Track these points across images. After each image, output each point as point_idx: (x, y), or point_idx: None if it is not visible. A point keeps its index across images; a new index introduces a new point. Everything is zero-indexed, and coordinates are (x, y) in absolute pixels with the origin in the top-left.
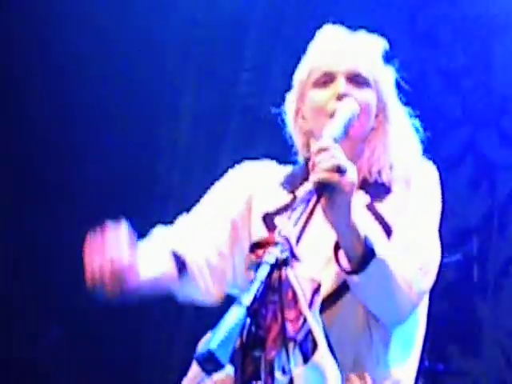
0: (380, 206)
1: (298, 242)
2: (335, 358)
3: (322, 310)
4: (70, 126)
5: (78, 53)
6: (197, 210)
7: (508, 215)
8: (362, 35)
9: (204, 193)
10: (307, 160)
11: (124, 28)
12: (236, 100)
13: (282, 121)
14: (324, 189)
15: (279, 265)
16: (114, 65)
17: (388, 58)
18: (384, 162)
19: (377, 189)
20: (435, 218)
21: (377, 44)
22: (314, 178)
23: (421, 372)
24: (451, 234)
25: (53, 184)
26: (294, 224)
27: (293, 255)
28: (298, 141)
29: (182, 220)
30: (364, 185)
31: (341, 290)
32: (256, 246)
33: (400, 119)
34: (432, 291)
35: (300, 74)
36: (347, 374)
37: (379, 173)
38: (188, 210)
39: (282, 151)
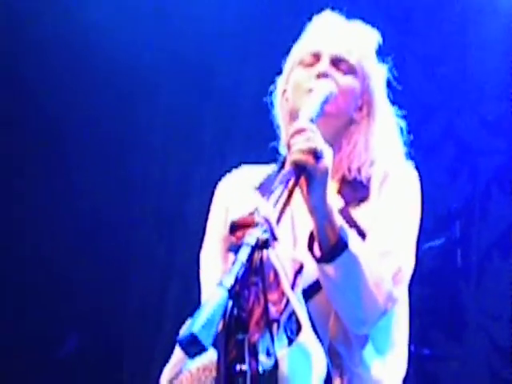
0: (354, 212)
1: (278, 222)
2: (324, 339)
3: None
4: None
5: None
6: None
7: (489, 200)
8: (359, 25)
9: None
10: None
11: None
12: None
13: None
14: (300, 170)
15: (260, 246)
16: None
17: (382, 56)
18: (365, 158)
19: (354, 190)
20: (414, 225)
21: (371, 37)
22: (289, 159)
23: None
24: (433, 220)
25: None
26: (273, 205)
27: (273, 236)
28: (283, 127)
29: None
30: (341, 184)
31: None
32: (236, 228)
33: (386, 117)
34: (416, 277)
35: (290, 56)
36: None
37: (359, 170)
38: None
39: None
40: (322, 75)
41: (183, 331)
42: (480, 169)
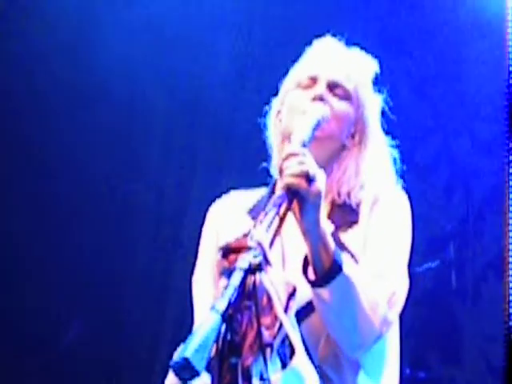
0: (344, 236)
1: (271, 246)
2: (313, 362)
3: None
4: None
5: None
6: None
7: (483, 221)
8: (358, 53)
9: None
10: (275, 181)
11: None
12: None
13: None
14: (293, 194)
15: (253, 270)
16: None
17: (379, 86)
18: (355, 183)
19: (343, 214)
20: (406, 249)
21: (369, 66)
22: (281, 183)
23: (403, 380)
24: (428, 242)
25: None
26: (266, 228)
27: (266, 260)
28: (274, 147)
29: None
30: (331, 208)
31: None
32: (229, 252)
33: (378, 147)
34: (411, 298)
35: (288, 78)
36: None
37: (348, 194)
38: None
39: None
40: (317, 98)
41: (176, 356)
42: (474, 190)
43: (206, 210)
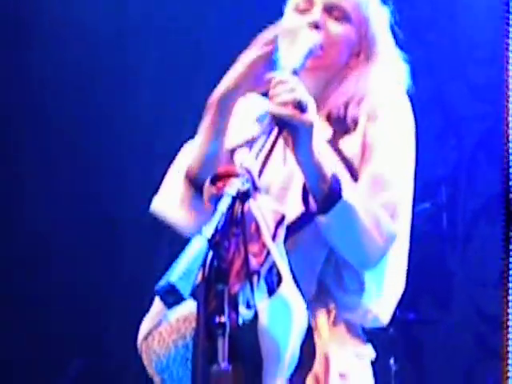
0: (342, 142)
1: (260, 173)
2: (300, 289)
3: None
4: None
5: None
6: None
7: (476, 166)
8: None
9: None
10: None
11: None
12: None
13: None
14: (284, 123)
15: (241, 197)
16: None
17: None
18: (353, 94)
19: (339, 123)
20: (407, 154)
21: None
22: (271, 111)
23: (391, 321)
24: (420, 185)
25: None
26: (255, 155)
27: (255, 187)
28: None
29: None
30: (327, 120)
31: (302, 219)
32: (216, 179)
33: (388, 61)
34: None
35: (289, 2)
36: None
37: (346, 105)
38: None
39: None
40: (313, 26)
41: (162, 281)
42: (468, 134)
43: None
